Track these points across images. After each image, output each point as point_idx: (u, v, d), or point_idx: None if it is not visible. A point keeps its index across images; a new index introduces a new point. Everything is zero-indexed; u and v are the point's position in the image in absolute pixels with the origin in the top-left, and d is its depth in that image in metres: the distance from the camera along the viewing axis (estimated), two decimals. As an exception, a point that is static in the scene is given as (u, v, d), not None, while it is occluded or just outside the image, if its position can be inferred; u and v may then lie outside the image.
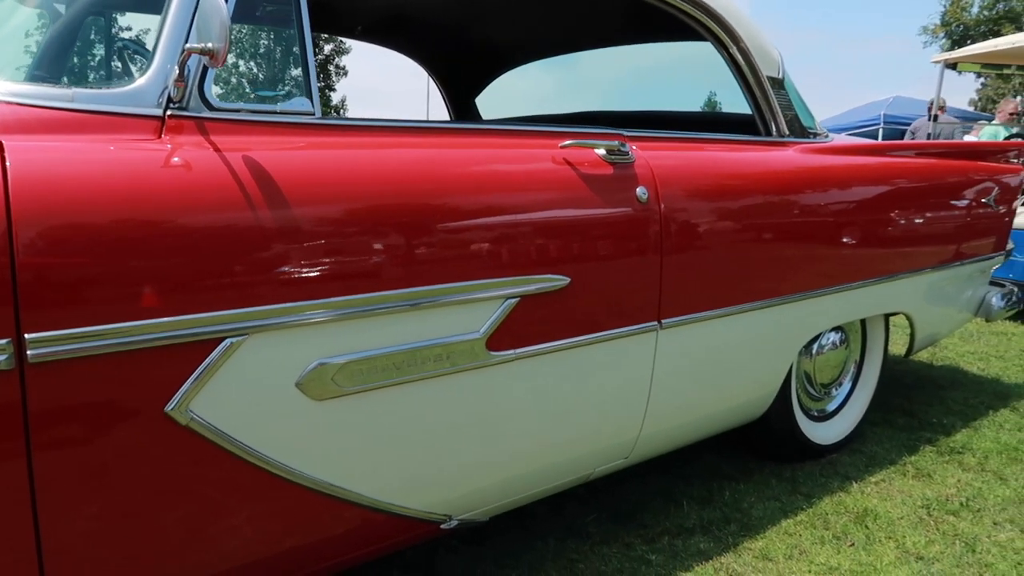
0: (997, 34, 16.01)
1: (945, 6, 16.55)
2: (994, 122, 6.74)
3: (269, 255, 1.23)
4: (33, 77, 1.48)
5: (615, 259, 1.72)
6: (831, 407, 2.74)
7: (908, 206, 2.55)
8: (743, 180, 2.04)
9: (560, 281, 1.60)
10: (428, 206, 1.43)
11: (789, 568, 1.96)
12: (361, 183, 1.37)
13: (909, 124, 14.39)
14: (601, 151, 1.73)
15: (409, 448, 1.48)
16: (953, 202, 2.79)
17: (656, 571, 1.94)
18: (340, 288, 1.30)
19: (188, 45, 1.17)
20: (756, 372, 2.23)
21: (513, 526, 2.11)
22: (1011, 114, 6.97)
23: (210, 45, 1.15)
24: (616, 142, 1.75)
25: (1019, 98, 6.65)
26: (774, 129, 2.30)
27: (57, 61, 1.53)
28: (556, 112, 3.10)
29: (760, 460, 2.60)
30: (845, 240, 2.30)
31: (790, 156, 2.25)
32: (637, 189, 1.75)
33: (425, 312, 1.42)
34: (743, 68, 2.22)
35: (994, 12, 16.35)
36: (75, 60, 1.57)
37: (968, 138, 6.93)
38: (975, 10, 16.83)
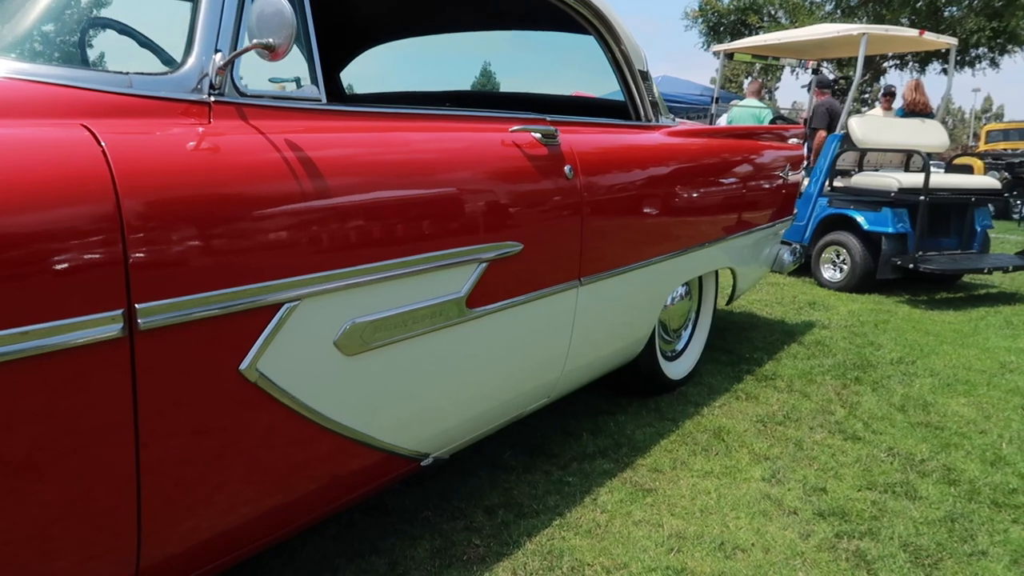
0: (745, 23, 18.16)
1: (702, -6, 18.48)
2: (744, 101, 7.90)
3: (314, 227, 1.39)
4: (90, 63, 1.46)
5: (552, 227, 2.03)
6: (679, 348, 3.27)
7: (738, 179, 3.11)
8: (634, 158, 2.44)
9: (516, 247, 1.88)
10: (423, 182, 1.64)
11: (676, 475, 2.42)
12: (370, 165, 1.55)
13: (678, 101, 16.01)
14: (538, 135, 2.02)
15: (407, 394, 1.70)
16: (763, 176, 3.41)
17: (576, 490, 2.30)
18: (365, 256, 1.49)
19: (256, 40, 1.28)
20: (640, 319, 2.66)
21: (445, 467, 2.37)
22: (755, 92, 8.26)
23: (271, 41, 1.28)
24: (550, 127, 2.05)
25: (761, 79, 7.91)
26: (643, 115, 2.72)
27: (103, 47, 1.51)
28: (434, 89, 3.30)
29: (628, 397, 3.06)
30: (700, 207, 2.79)
31: (659, 138, 2.68)
32: (565, 167, 2.07)
33: (423, 276, 1.64)
34: (621, 63, 2.60)
35: (741, 3, 18.50)
36: (117, 46, 1.55)
37: (722, 118, 8.05)
38: (726, 1, 18.94)
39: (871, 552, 2.00)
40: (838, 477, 2.44)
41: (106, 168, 1.11)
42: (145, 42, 1.53)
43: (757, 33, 16.91)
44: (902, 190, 5.21)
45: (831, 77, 9.24)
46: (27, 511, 1.07)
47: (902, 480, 2.43)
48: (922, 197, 5.05)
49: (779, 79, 24.01)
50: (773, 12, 17.94)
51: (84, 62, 1.55)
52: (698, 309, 3.39)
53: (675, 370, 3.18)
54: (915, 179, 5.24)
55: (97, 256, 1.08)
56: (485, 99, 3.29)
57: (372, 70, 3.47)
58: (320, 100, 1.56)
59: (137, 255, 1.12)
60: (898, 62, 18.38)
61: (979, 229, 5.69)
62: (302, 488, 1.53)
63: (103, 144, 1.13)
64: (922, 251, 5.22)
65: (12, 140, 1.06)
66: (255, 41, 1.27)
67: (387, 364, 1.61)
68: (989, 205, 5.83)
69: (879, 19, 16.49)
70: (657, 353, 2.99)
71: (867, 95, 20.04)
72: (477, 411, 1.98)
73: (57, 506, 1.10)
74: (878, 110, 8.05)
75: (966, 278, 6.12)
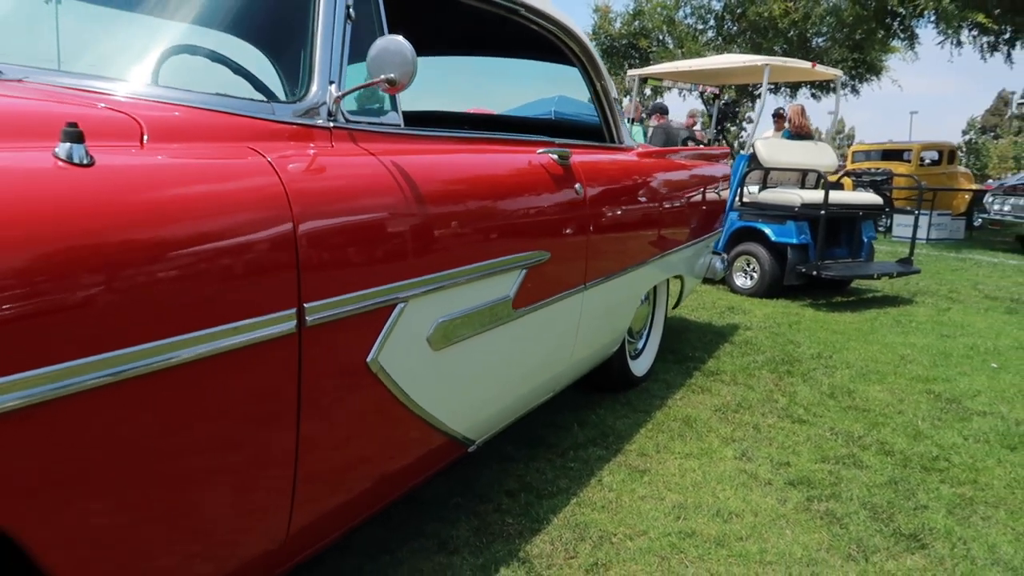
0: (635, 46, 19.09)
1: (596, 20, 19.29)
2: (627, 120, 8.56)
3: (416, 235, 1.59)
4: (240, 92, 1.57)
5: (569, 237, 2.30)
6: (639, 347, 3.60)
7: (690, 195, 3.48)
8: (622, 176, 2.74)
9: (546, 255, 2.13)
10: (485, 197, 1.87)
11: (662, 457, 2.73)
12: (448, 182, 1.77)
13: (575, 120, 16.70)
14: (555, 156, 2.28)
15: (468, 384, 1.92)
16: (705, 191, 3.81)
17: (580, 473, 2.56)
18: (450, 261, 1.70)
19: (383, 76, 1.47)
20: (622, 318, 2.97)
21: (460, 460, 2.56)
22: (635, 113, 8.99)
23: (393, 76, 1.48)
24: (566, 149, 2.31)
25: (637, 99, 8.55)
26: (616, 137, 3.04)
27: (245, 77, 1.63)
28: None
29: (601, 393, 3.35)
30: (664, 220, 3.13)
31: (634, 158, 3.01)
32: (576, 184, 2.34)
33: (485, 280, 1.86)
34: (600, 93, 2.91)
35: (632, 28, 19.46)
36: (253, 76, 1.66)
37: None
38: (617, 25, 19.86)
39: (838, 511, 2.37)
40: (796, 453, 2.82)
41: (282, 188, 1.28)
42: (238, 70, 1.68)
43: (649, 56, 17.84)
44: (804, 205, 5.81)
45: (725, 100, 9.99)
46: (220, 477, 1.23)
47: (848, 453, 2.83)
48: (822, 212, 5.65)
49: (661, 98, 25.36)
50: (662, 38, 18.97)
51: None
52: (653, 313, 3.73)
53: (638, 368, 3.51)
54: (815, 195, 5.85)
55: (280, 260, 1.25)
56: (489, 121, 3.52)
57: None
58: (400, 125, 1.76)
59: (305, 260, 1.30)
60: (772, 87, 19.85)
61: (866, 240, 6.40)
62: (395, 465, 1.72)
63: (276, 168, 1.30)
64: (822, 260, 5.83)
65: (215, 168, 1.22)
66: (382, 76, 1.47)
67: (457, 358, 1.82)
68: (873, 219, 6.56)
69: (756, 47, 17.79)
70: (626, 352, 3.30)
71: (738, 112, 21.38)
72: (511, 400, 2.21)
73: (243, 474, 1.26)
74: (770, 132, 8.80)
75: (855, 283, 6.83)
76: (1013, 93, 67.00)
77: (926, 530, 2.27)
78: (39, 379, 0.92)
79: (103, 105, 1.24)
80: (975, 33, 15.40)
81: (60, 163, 1.01)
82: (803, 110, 7.90)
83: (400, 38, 1.48)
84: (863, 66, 18.09)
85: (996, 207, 10.44)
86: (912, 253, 6.50)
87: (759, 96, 20.67)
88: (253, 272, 1.21)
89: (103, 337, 0.99)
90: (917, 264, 6.57)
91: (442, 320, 1.70)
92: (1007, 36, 15.58)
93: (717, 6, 18.06)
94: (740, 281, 6.22)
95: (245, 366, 1.22)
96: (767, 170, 6.35)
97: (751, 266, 6.15)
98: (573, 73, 2.89)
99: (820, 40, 18.51)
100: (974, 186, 16.82)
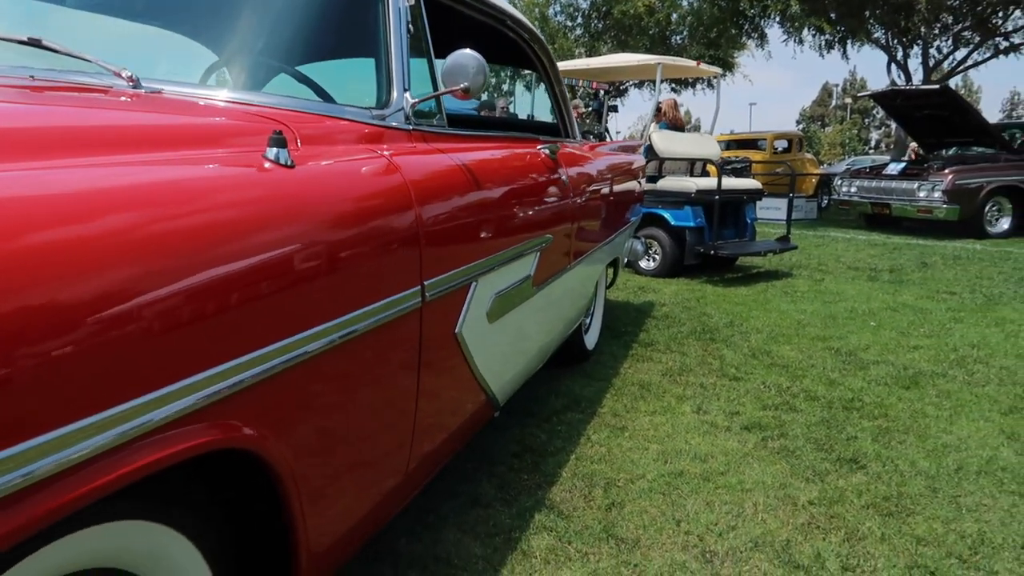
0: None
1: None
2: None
3: (483, 219, 1.84)
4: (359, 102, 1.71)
5: (562, 223, 2.59)
6: (588, 323, 3.95)
7: (626, 181, 3.86)
8: (587, 167, 3.06)
9: (550, 238, 2.42)
10: (519, 186, 2.14)
11: (633, 416, 3.08)
12: (493, 173, 2.01)
13: (457, 114, 16.99)
14: (547, 151, 2.56)
15: (504, 351, 2.17)
16: (633, 180, 4.21)
17: (571, 433, 2.87)
18: (503, 244, 1.95)
19: (463, 84, 1.69)
20: (589, 293, 3.30)
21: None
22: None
23: (466, 84, 1.71)
24: (556, 144, 2.60)
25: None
26: (571, 133, 3.36)
27: (343, 86, 1.76)
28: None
29: (561, 367, 3.67)
30: (613, 206, 3.49)
31: (590, 151, 3.34)
32: (564, 176, 2.64)
33: (519, 260, 2.13)
34: (557, 94, 3.22)
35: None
36: (348, 85, 1.79)
37: None
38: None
39: (789, 446, 2.81)
40: (741, 404, 3.26)
41: (405, 182, 1.50)
42: (302, 79, 1.84)
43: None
44: (699, 191, 6.39)
45: (608, 95, 10.61)
46: (367, 426, 1.44)
47: (783, 401, 3.31)
48: (716, 197, 6.25)
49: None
50: (533, 34, 19.55)
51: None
52: (595, 292, 4.09)
53: (588, 341, 3.86)
54: (707, 182, 6.45)
55: (412, 244, 1.47)
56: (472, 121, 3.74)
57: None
58: (445, 126, 1.99)
59: (424, 244, 1.52)
60: (637, 82, 20.96)
61: (749, 221, 7.09)
62: (459, 422, 1.95)
63: (396, 165, 1.51)
64: (717, 240, 6.43)
65: (363, 166, 1.42)
66: (463, 85, 1.70)
67: (500, 328, 2.08)
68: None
69: (622, 44, 18.76)
70: (581, 327, 3.64)
71: (616, 104, 22.40)
72: (523, 366, 2.49)
73: (387, 421, 1.48)
74: (652, 126, 9.45)
75: (739, 261, 7.54)
76: (836, 85, 73.57)
77: (860, 454, 2.74)
78: (289, 346, 1.11)
79: (253, 115, 1.41)
80: (814, 33, 17.01)
81: (269, 164, 1.19)
82: (676, 103, 8.57)
83: (473, 52, 1.72)
84: (718, 62, 19.48)
85: (844, 189, 11.68)
86: (789, 231, 7.27)
87: (626, 90, 21.79)
88: (400, 253, 1.42)
89: (323, 308, 1.19)
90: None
91: (495, 295, 1.95)
92: (839, 36, 17.28)
93: (584, 5, 18.86)
94: (643, 264, 6.74)
95: (395, 334, 1.43)
96: (662, 160, 6.90)
97: (653, 249, 6.68)
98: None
99: (678, 38, 19.72)
100: (818, 171, 18.58)
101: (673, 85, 20.39)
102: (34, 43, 1.50)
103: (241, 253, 1.02)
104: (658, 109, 9.84)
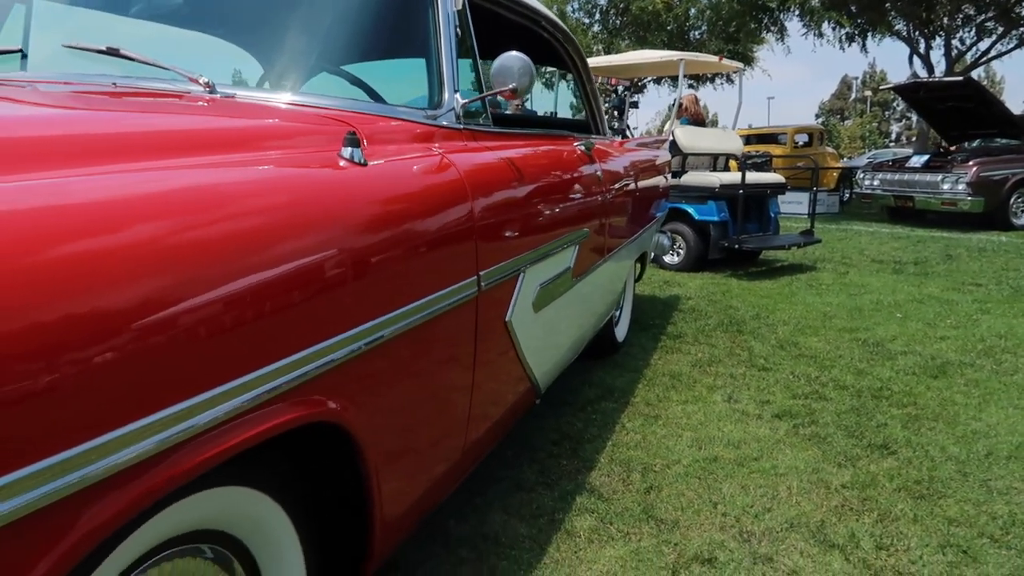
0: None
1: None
2: None
3: (529, 212, 1.93)
4: (409, 102, 1.81)
5: (598, 217, 2.67)
6: (618, 316, 4.03)
7: (654, 176, 3.94)
8: (619, 162, 3.14)
9: (587, 232, 2.51)
10: (560, 181, 2.22)
11: (666, 405, 3.16)
12: (538, 168, 2.10)
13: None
14: (583, 147, 2.65)
15: (547, 339, 2.26)
16: (661, 175, 4.28)
17: (606, 421, 2.95)
18: (548, 237, 2.04)
19: (512, 84, 1.78)
20: (621, 284, 3.39)
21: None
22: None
23: (514, 85, 1.80)
24: (591, 140, 2.69)
25: None
26: (602, 130, 3.44)
27: (397, 90, 1.86)
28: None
29: (593, 359, 3.75)
30: (644, 201, 3.57)
31: (620, 147, 3.42)
32: (598, 172, 2.72)
33: (560, 253, 2.21)
34: (590, 94, 3.30)
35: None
36: (404, 89, 1.89)
37: None
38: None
39: (820, 433, 2.88)
40: (771, 393, 3.33)
41: (461, 178, 1.59)
42: (354, 80, 1.94)
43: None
44: (723, 186, 6.44)
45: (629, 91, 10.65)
46: (430, 406, 1.53)
47: (812, 390, 3.37)
48: (740, 191, 6.30)
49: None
50: (551, 31, 19.58)
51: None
52: (624, 285, 4.17)
53: (619, 334, 3.94)
54: (731, 177, 6.50)
55: (469, 236, 1.56)
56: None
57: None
58: (491, 125, 2.08)
59: (479, 236, 1.61)
60: (655, 78, 20.93)
61: (772, 215, 7.13)
62: (506, 407, 2.04)
63: (453, 162, 1.60)
64: (740, 234, 6.48)
65: (424, 163, 1.51)
66: (512, 85, 1.79)
67: (544, 318, 2.16)
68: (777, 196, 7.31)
69: (640, 40, 18.75)
70: (612, 319, 3.72)
71: (637, 100, 22.37)
72: (563, 355, 2.58)
73: (447, 403, 1.58)
74: (675, 121, 9.49)
75: (764, 254, 7.58)
76: (855, 78, 72.95)
77: (891, 441, 2.81)
78: (371, 329, 1.21)
79: (322, 117, 1.51)
80: (834, 26, 16.92)
81: (344, 163, 1.29)
82: (696, 99, 8.60)
83: (520, 54, 1.80)
84: (737, 57, 19.41)
85: (867, 182, 11.64)
86: (813, 225, 7.29)
87: (644, 86, 21.76)
88: (459, 244, 1.51)
89: (398, 294, 1.28)
90: (811, 235, 7.38)
91: (540, 286, 2.04)
92: (859, 29, 17.18)
93: (603, 1, 18.87)
94: (668, 258, 6.80)
95: (455, 320, 1.53)
96: (686, 155, 6.95)
97: (677, 243, 6.74)
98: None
99: (697, 33, 19.68)
100: (839, 164, 18.49)
101: (691, 81, 20.34)
102: (112, 52, 1.61)
103: (330, 244, 1.12)
104: (679, 105, 9.91)
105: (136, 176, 0.95)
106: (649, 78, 20.62)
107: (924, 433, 2.88)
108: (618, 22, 19.17)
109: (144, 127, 1.19)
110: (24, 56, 1.90)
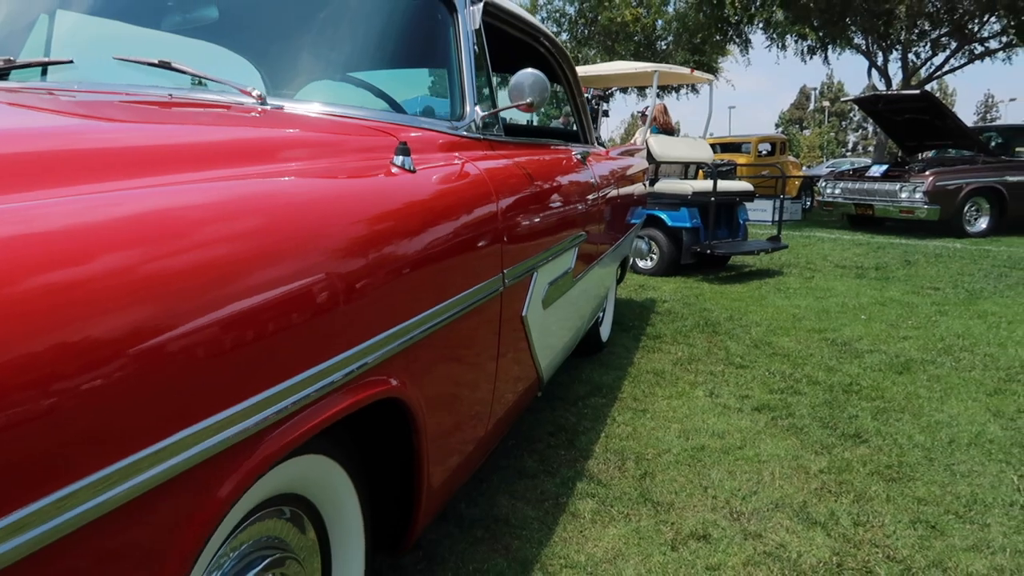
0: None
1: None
2: None
3: (543, 215, 2.09)
4: (431, 114, 1.94)
5: (594, 221, 2.85)
6: (602, 317, 4.21)
7: (636, 185, 4.13)
8: (611, 170, 3.32)
9: (584, 235, 2.68)
10: (565, 187, 2.39)
11: (652, 400, 3.34)
12: (546, 175, 2.26)
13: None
14: (579, 155, 2.82)
15: (551, 335, 2.42)
16: (641, 182, 4.48)
17: (597, 415, 3.12)
18: (558, 238, 2.21)
19: (529, 99, 1.94)
20: (608, 286, 3.56)
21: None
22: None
23: (531, 100, 1.96)
24: (587, 150, 2.86)
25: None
26: (591, 140, 3.62)
27: (423, 100, 2.00)
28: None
29: (579, 358, 3.93)
30: (627, 206, 3.76)
31: (610, 155, 3.60)
32: (592, 178, 2.89)
33: (564, 254, 2.38)
34: (579, 104, 3.48)
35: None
36: (425, 100, 2.03)
37: None
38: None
39: (797, 424, 3.08)
40: (750, 388, 3.53)
41: (489, 184, 1.75)
42: (379, 93, 2.08)
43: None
44: (695, 193, 6.68)
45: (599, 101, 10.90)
46: (466, 388, 1.68)
47: (787, 386, 3.58)
48: (712, 198, 6.54)
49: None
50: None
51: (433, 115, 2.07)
52: (609, 288, 4.36)
53: (603, 333, 4.12)
54: (702, 184, 6.74)
55: (496, 237, 1.72)
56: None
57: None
58: (503, 135, 2.24)
59: (504, 236, 1.77)
60: (623, 89, 21.29)
61: (742, 222, 7.40)
62: (516, 397, 2.19)
63: (481, 170, 1.76)
64: (712, 240, 6.72)
65: (457, 170, 1.67)
66: (528, 99, 1.95)
67: (550, 315, 2.33)
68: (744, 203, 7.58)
69: (608, 50, 19.08)
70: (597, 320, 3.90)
71: (608, 109, 22.69)
72: (561, 350, 2.74)
73: (477, 387, 1.73)
74: (647, 131, 9.75)
75: (733, 260, 7.84)
76: (814, 89, 74.67)
77: (862, 430, 3.02)
78: (427, 318, 1.36)
79: (365, 127, 1.65)
80: (796, 39, 17.42)
81: (397, 170, 1.44)
82: (665, 108, 8.87)
83: (535, 71, 1.97)
84: (702, 67, 19.86)
85: (828, 190, 12.04)
86: (780, 232, 7.58)
87: (611, 95, 22.11)
88: (489, 244, 1.67)
89: (449, 287, 1.43)
90: (778, 241, 7.66)
91: (548, 285, 2.21)
92: (821, 43, 17.69)
93: (571, 11, 19.16)
94: (642, 263, 7.02)
95: (483, 315, 1.68)
96: (659, 163, 7.19)
97: (651, 249, 6.96)
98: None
99: (663, 44, 20.07)
100: (801, 173, 19.01)
101: (658, 91, 20.76)
102: (164, 65, 1.73)
103: (395, 243, 1.26)
104: (644, 115, 10.18)
105: (242, 182, 1.09)
106: (616, 88, 20.97)
107: (892, 423, 3.11)
108: (586, 32, 19.49)
109: (221, 137, 1.32)
110: (69, 66, 1.99)
